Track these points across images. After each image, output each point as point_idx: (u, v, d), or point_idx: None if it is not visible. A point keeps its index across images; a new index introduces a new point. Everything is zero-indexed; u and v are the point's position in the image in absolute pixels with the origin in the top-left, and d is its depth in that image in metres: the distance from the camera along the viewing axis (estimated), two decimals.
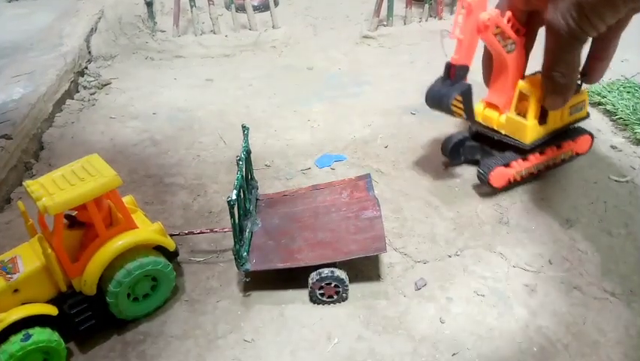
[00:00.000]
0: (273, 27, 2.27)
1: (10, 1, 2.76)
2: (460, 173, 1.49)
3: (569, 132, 1.42)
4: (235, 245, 1.10)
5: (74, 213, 1.07)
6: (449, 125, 1.76)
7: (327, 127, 1.73)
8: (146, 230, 1.11)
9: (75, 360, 1.05)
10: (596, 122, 1.67)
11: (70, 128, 1.79)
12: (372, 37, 2.23)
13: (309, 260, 1.12)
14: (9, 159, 1.53)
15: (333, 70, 2.08)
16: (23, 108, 1.68)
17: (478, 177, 1.38)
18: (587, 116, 1.44)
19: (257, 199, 1.31)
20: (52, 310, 1.01)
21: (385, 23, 2.26)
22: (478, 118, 1.40)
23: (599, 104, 1.72)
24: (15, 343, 0.95)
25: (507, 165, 1.35)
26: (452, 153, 1.48)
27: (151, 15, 2.21)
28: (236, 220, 1.08)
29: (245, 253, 1.13)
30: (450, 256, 1.23)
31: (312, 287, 1.11)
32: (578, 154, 1.48)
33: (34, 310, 0.99)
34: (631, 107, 1.64)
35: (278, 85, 1.99)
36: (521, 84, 1.31)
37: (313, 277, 1.10)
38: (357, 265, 1.20)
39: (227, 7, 2.32)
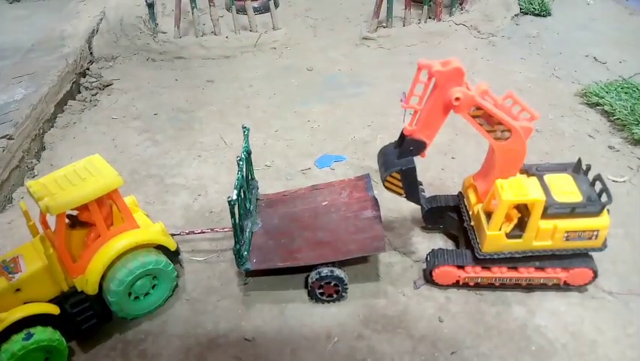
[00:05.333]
0: (273, 28, 2.28)
1: (11, 3, 2.76)
2: (460, 172, 1.50)
3: (563, 258, 1.11)
4: (235, 245, 1.11)
5: (76, 213, 1.08)
6: (449, 126, 1.76)
7: (327, 127, 1.74)
8: (147, 230, 1.12)
9: (77, 359, 1.06)
10: (594, 122, 1.68)
11: (71, 128, 1.80)
12: (372, 38, 2.24)
13: (308, 260, 1.12)
14: (11, 160, 1.54)
15: (332, 71, 2.09)
16: (25, 109, 1.68)
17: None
18: (602, 247, 1.09)
19: (257, 199, 1.32)
20: (53, 310, 1.02)
21: (385, 25, 2.27)
22: (467, 190, 1.20)
23: (597, 104, 1.73)
24: (17, 342, 0.96)
25: (460, 267, 1.13)
26: (428, 219, 1.28)
27: (152, 16, 2.22)
28: (237, 220, 1.09)
29: (245, 253, 1.13)
30: None
31: (312, 286, 1.11)
32: (567, 284, 1.14)
33: (35, 309, 1.00)
34: (629, 108, 1.64)
35: (278, 86, 2.00)
36: (499, 183, 1.06)
37: (313, 276, 1.11)
38: (356, 265, 1.20)
39: (228, 9, 2.32)
